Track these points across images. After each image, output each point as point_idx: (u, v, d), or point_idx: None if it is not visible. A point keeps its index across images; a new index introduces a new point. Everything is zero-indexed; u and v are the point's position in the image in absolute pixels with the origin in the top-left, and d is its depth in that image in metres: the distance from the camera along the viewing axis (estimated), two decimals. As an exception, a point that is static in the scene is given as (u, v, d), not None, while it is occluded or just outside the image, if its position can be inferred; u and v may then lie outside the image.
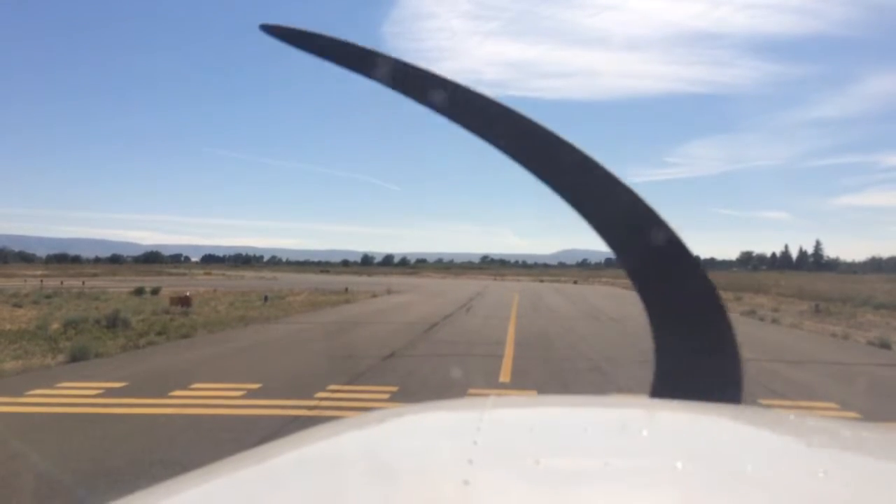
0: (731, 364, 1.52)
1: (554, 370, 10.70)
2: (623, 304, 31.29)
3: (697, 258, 1.58)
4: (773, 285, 49.62)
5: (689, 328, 1.56)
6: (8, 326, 16.67)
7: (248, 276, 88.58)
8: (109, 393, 8.47)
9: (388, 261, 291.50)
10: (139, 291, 34.45)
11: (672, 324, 1.59)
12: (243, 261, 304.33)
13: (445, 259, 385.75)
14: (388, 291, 40.27)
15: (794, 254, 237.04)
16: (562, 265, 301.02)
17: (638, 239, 1.59)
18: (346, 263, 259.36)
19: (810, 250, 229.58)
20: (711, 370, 1.51)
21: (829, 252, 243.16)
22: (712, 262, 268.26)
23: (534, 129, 1.62)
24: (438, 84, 1.68)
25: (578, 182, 1.64)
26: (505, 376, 9.98)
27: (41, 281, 52.43)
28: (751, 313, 25.54)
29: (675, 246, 1.55)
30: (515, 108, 1.61)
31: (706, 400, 1.31)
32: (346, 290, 39.83)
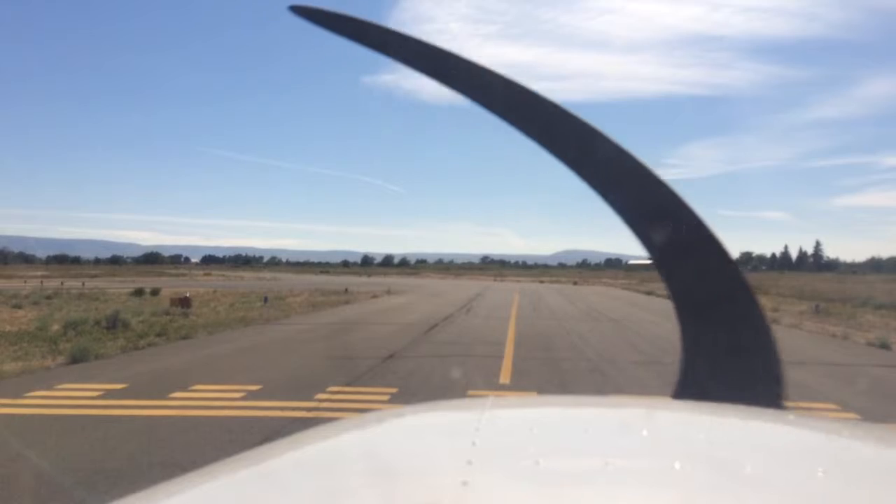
0: (768, 364, 1.39)
1: (554, 371, 10.70)
2: (623, 306, 31.30)
3: (725, 250, 1.48)
4: (773, 285, 49.64)
5: (721, 324, 1.46)
6: (8, 328, 16.67)
7: (248, 277, 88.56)
8: (109, 394, 8.47)
9: (388, 261, 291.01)
10: (139, 292, 34.45)
11: (702, 319, 1.49)
12: (243, 261, 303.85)
13: (445, 259, 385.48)
14: (388, 292, 40.26)
15: (794, 254, 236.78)
16: (562, 265, 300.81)
17: (663, 227, 1.52)
18: (346, 264, 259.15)
19: (810, 250, 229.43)
20: (746, 370, 1.38)
21: (829, 252, 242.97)
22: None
23: (563, 116, 1.57)
24: (461, 66, 1.62)
25: (609, 171, 1.58)
26: (505, 377, 9.98)
27: (41, 282, 52.40)
28: (751, 314, 25.53)
29: (701, 234, 1.47)
30: (544, 95, 1.55)
31: (740, 402, 1.21)
32: (346, 290, 39.79)
